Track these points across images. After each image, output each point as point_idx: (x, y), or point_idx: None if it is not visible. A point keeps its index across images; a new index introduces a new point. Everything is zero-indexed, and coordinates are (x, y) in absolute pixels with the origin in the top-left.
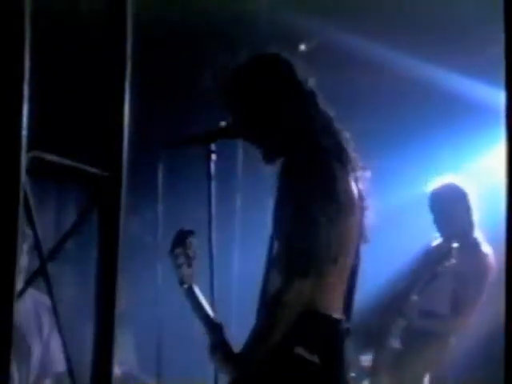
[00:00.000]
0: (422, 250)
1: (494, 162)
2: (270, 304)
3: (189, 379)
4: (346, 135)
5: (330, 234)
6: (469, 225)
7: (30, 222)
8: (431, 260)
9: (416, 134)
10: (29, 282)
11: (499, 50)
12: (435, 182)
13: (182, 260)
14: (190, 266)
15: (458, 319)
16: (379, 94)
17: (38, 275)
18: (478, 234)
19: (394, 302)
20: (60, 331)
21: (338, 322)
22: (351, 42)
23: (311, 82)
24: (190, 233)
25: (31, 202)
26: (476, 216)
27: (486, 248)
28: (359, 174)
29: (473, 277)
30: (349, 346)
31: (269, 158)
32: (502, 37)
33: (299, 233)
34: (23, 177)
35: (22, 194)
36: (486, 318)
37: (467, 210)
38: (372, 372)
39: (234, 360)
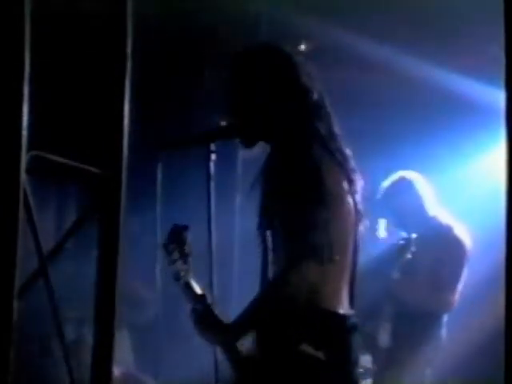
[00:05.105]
0: (385, 250)
1: (494, 162)
2: (271, 282)
3: (188, 379)
4: (342, 141)
5: (328, 225)
6: (424, 211)
7: (30, 221)
8: (392, 256)
9: (415, 134)
10: (29, 282)
11: (499, 50)
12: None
13: (176, 256)
14: (185, 261)
15: (441, 298)
16: (379, 93)
17: (38, 275)
18: (441, 216)
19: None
20: (60, 332)
21: (344, 317)
22: (351, 41)
23: (314, 80)
24: (185, 228)
25: (31, 201)
26: (430, 200)
27: (457, 227)
28: (355, 177)
29: (448, 256)
30: (357, 340)
31: (251, 141)
32: (502, 37)
33: (301, 220)
34: (23, 176)
35: (21, 194)
36: (486, 318)
37: (416, 198)
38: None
39: (222, 329)
